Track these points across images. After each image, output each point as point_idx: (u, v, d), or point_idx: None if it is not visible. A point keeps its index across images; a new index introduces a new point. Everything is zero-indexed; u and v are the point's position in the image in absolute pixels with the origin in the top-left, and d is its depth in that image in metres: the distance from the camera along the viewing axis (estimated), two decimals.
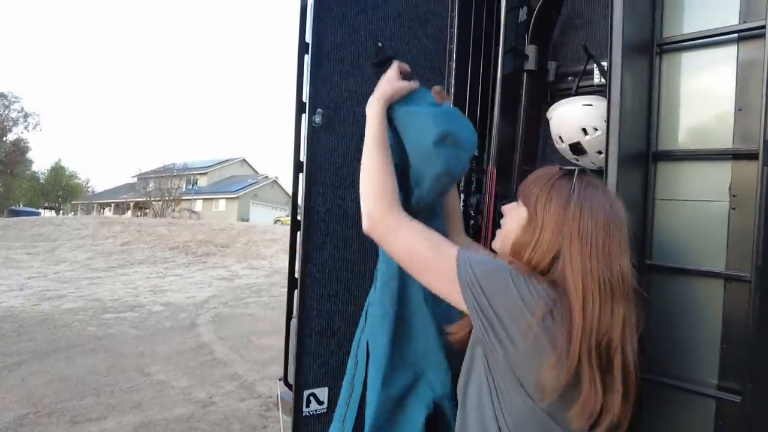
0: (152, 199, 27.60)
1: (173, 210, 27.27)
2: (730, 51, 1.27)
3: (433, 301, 1.06)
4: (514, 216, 0.90)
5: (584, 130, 1.28)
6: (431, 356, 1.08)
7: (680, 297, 1.31)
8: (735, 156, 1.24)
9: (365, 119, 1.26)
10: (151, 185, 28.72)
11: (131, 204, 32.63)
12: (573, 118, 1.28)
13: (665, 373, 1.30)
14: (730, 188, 1.25)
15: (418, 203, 1.04)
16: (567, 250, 0.80)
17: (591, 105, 1.27)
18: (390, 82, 1.02)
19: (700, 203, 1.30)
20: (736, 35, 1.25)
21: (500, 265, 0.79)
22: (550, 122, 1.35)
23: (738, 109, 1.25)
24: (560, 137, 1.32)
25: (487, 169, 1.42)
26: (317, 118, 1.23)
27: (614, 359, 0.76)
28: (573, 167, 0.88)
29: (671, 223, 1.33)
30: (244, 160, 39.20)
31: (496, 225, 1.42)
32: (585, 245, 0.78)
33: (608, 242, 0.79)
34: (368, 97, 1.28)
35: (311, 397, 1.25)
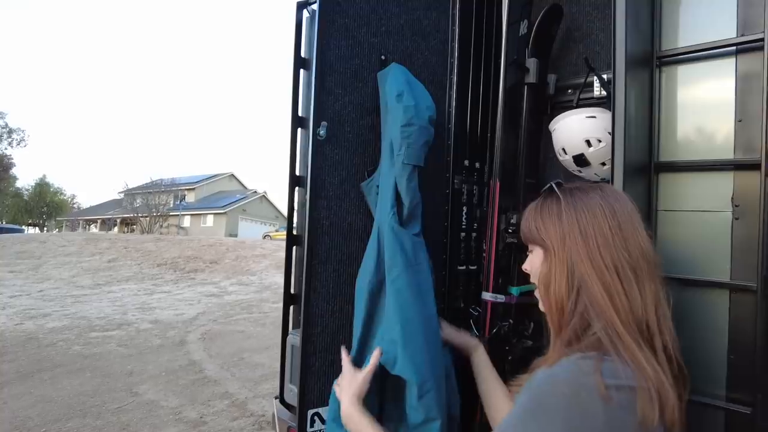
0: (139, 215, 27.27)
1: (161, 226, 26.95)
2: (729, 63, 1.29)
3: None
4: (534, 261, 0.85)
5: (588, 142, 1.28)
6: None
7: (685, 308, 1.31)
8: (737, 166, 1.26)
9: (370, 131, 1.26)
10: (139, 201, 28.40)
11: (118, 220, 32.20)
12: (577, 130, 1.29)
13: None
14: (732, 198, 1.26)
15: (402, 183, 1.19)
16: (578, 257, 0.76)
17: (594, 117, 1.28)
18: (350, 384, 1.02)
19: (702, 214, 1.31)
20: (734, 48, 1.27)
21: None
22: (553, 134, 1.36)
23: (738, 120, 1.26)
24: (563, 149, 1.32)
25: (490, 182, 1.41)
26: (322, 131, 1.22)
27: (654, 342, 0.72)
28: (548, 184, 0.86)
29: (674, 233, 1.33)
30: (233, 175, 39.03)
31: (500, 239, 1.42)
32: (590, 241, 0.75)
33: (615, 225, 0.75)
34: (372, 111, 1.29)
35: (315, 417, 1.22)
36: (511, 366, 1.36)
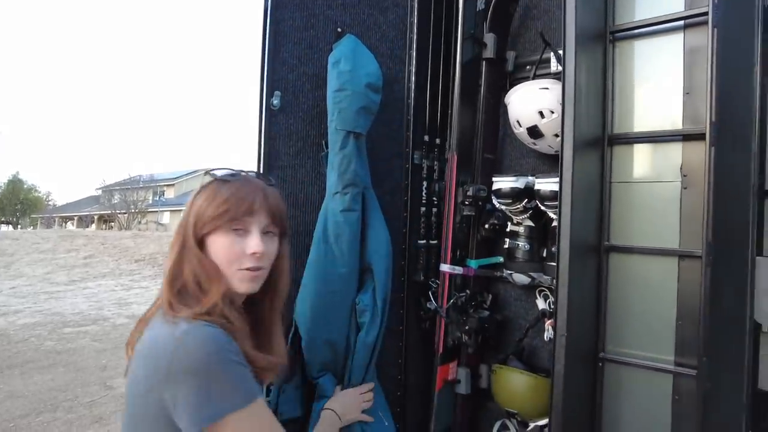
0: (117, 211, 26.77)
1: (139, 222, 26.50)
2: (678, 37, 1.32)
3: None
4: (275, 244, 0.94)
5: (541, 114, 1.30)
6: None
7: (638, 276, 1.34)
8: (685, 137, 1.29)
9: (326, 103, 1.26)
10: (117, 197, 27.85)
11: (95, 217, 31.56)
12: (530, 102, 1.31)
13: (624, 351, 1.33)
14: (681, 168, 1.29)
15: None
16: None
17: (547, 88, 1.30)
18: (358, 413, 1.21)
19: (654, 184, 1.34)
20: (682, 22, 1.30)
21: None
22: (508, 107, 1.38)
23: (686, 93, 1.30)
24: (518, 121, 1.34)
25: (449, 156, 1.42)
26: (275, 101, 1.21)
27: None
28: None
29: (628, 204, 1.36)
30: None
31: (457, 211, 1.44)
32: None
33: (190, 213, 0.86)
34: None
35: (270, 387, 1.22)
36: (469, 336, 1.38)
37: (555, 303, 1.15)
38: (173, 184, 34.16)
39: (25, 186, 38.80)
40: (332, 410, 1.15)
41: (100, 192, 32.57)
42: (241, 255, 0.83)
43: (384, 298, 1.26)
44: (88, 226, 29.81)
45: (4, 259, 11.96)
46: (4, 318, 6.64)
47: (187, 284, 0.82)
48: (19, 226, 33.13)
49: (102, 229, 25.89)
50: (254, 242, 0.84)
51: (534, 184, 1.30)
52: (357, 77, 1.25)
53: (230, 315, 0.80)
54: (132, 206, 26.52)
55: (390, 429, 1.28)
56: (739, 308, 1.34)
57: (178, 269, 0.83)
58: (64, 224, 33.46)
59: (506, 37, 1.56)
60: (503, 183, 1.33)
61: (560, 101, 1.29)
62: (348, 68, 1.24)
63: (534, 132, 1.32)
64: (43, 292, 8.78)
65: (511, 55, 1.55)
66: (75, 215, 34.32)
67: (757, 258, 1.94)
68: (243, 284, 0.84)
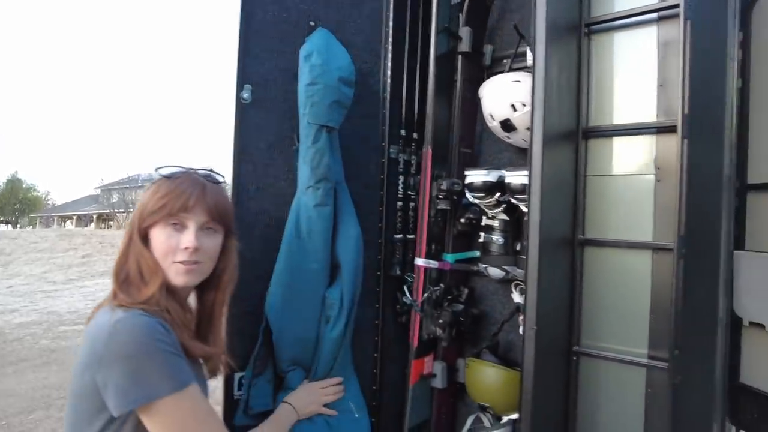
0: (116, 210, 26.77)
1: None
2: (652, 30, 1.32)
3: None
4: (218, 241, 0.97)
5: (513, 107, 1.30)
6: None
7: (612, 269, 1.34)
8: (659, 130, 1.29)
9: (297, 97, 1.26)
10: (115, 197, 27.84)
11: (94, 216, 31.55)
12: (502, 95, 1.30)
13: (599, 345, 1.33)
14: (655, 161, 1.29)
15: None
16: None
17: (519, 81, 1.30)
18: (319, 407, 1.22)
19: (629, 177, 1.34)
20: (656, 14, 1.30)
21: None
22: (482, 101, 1.37)
23: (660, 85, 1.29)
24: (491, 115, 1.34)
25: (424, 150, 1.42)
26: (245, 94, 1.21)
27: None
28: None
29: (603, 197, 1.36)
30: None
31: (432, 205, 1.43)
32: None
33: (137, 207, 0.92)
34: None
35: (242, 380, 1.22)
36: (443, 330, 1.38)
37: (525, 296, 1.15)
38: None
39: (24, 185, 38.82)
40: (289, 403, 1.16)
41: (98, 191, 32.55)
42: (175, 248, 0.88)
43: (351, 294, 1.26)
44: (86, 226, 29.81)
45: (2, 258, 11.97)
46: (1, 317, 6.65)
47: (131, 275, 0.87)
48: (18, 226, 33.15)
49: (101, 228, 25.87)
50: (187, 237, 0.88)
51: (505, 178, 1.30)
52: (329, 71, 1.24)
53: (168, 305, 0.85)
54: (130, 205, 26.51)
55: (361, 421, 1.28)
56: (711, 301, 1.33)
57: (123, 260, 0.89)
58: (63, 223, 33.45)
59: (484, 31, 1.56)
60: (475, 177, 1.33)
61: None
62: (320, 62, 1.23)
63: (507, 125, 1.32)
64: (39, 290, 8.79)
65: (488, 48, 1.54)
66: (74, 214, 34.30)
67: (736, 252, 1.95)
68: (178, 277, 0.88)
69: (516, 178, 1.26)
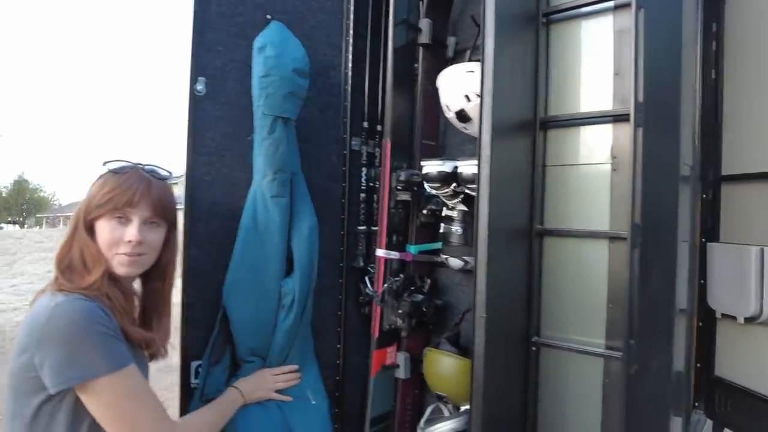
0: None
1: None
2: (608, 19, 1.31)
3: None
4: (160, 235, 1.00)
5: (467, 97, 1.30)
6: None
7: (571, 259, 1.34)
8: (615, 119, 1.28)
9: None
10: None
11: None
12: (456, 85, 1.30)
13: (558, 335, 1.33)
14: (611, 150, 1.29)
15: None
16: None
17: (473, 71, 1.29)
18: (270, 393, 1.24)
19: (586, 167, 1.33)
20: (612, 3, 1.29)
21: None
22: (439, 92, 1.37)
23: (615, 74, 1.29)
24: (447, 106, 1.34)
25: (383, 142, 1.43)
26: (199, 87, 1.22)
27: None
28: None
29: (562, 187, 1.36)
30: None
31: (392, 196, 1.44)
32: None
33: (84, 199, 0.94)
34: None
35: (199, 369, 1.23)
36: (402, 320, 1.39)
37: (474, 284, 1.15)
38: (177, 183, 34.31)
39: (30, 186, 39.20)
40: (236, 387, 1.18)
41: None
42: (119, 241, 0.91)
43: (305, 284, 1.27)
44: None
45: (7, 257, 12.09)
46: (2, 315, 6.73)
47: (74, 263, 0.89)
48: (25, 226, 33.44)
49: None
50: (131, 231, 0.92)
51: (458, 168, 1.30)
52: (283, 63, 1.25)
53: (109, 292, 0.88)
54: None
55: (318, 408, 1.29)
56: (668, 292, 1.33)
57: (66, 249, 0.92)
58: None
59: (446, 23, 1.56)
60: (431, 167, 1.33)
61: None
62: (273, 54, 1.24)
63: (462, 116, 1.32)
64: None
65: (451, 41, 1.54)
66: None
67: (709, 244, 1.94)
68: (121, 267, 0.92)
69: (468, 167, 1.27)
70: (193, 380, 1.24)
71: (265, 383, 1.23)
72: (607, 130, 1.31)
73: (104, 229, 0.91)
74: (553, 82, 1.37)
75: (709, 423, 1.97)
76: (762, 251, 1.52)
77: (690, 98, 1.62)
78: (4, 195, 36.70)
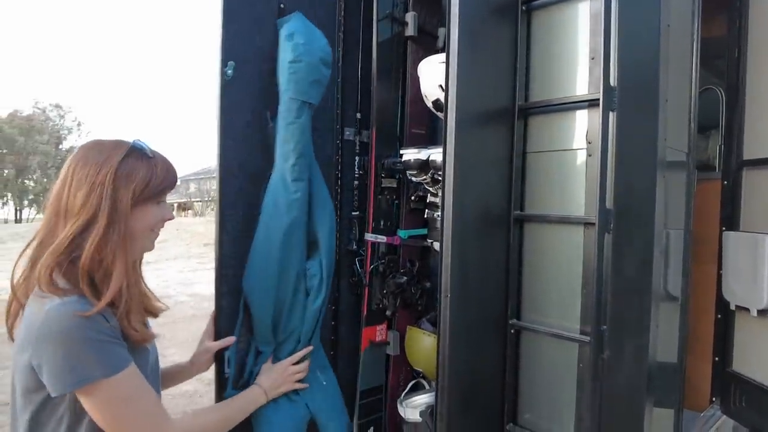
0: (193, 200, 28.76)
1: (212, 210, 28.30)
2: (586, 4, 1.31)
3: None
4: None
5: (441, 87, 1.34)
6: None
7: (549, 245, 1.36)
8: (590, 104, 1.28)
9: (272, 75, 1.33)
10: (192, 187, 29.92)
11: (174, 205, 34.14)
12: (431, 75, 1.35)
13: (536, 319, 1.35)
14: (586, 135, 1.29)
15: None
16: None
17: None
18: (293, 384, 1.26)
19: (565, 153, 1.34)
20: None
21: None
22: (420, 81, 1.42)
23: (591, 58, 1.28)
24: (426, 95, 1.39)
25: (370, 131, 1.51)
26: (229, 71, 1.25)
27: None
28: None
29: (543, 173, 1.37)
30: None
31: (378, 183, 1.52)
32: None
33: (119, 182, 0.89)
34: (276, 56, 1.34)
35: (229, 358, 1.26)
36: (387, 299, 1.47)
37: (440, 266, 1.21)
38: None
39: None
40: (259, 385, 1.21)
41: (178, 182, 35.08)
42: (161, 221, 0.96)
43: (329, 266, 1.32)
44: None
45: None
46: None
47: (103, 268, 0.86)
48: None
49: (181, 215, 27.95)
50: (169, 211, 0.97)
51: (430, 156, 1.35)
52: (312, 50, 1.29)
53: (129, 295, 0.89)
54: (206, 194, 28.40)
55: (329, 388, 1.36)
56: (642, 279, 1.31)
57: (97, 252, 0.85)
58: None
59: (437, 14, 1.60)
60: (409, 155, 1.40)
61: None
62: (303, 41, 1.28)
63: (438, 106, 1.37)
64: None
65: (441, 32, 1.58)
66: None
67: (725, 233, 1.85)
68: (151, 244, 0.97)
69: (438, 155, 1.32)
70: (226, 369, 1.26)
71: (287, 376, 1.25)
72: (583, 115, 1.31)
73: (147, 213, 0.91)
74: (535, 69, 1.38)
75: (723, 419, 1.89)
76: None
77: (681, 80, 1.56)
78: None
